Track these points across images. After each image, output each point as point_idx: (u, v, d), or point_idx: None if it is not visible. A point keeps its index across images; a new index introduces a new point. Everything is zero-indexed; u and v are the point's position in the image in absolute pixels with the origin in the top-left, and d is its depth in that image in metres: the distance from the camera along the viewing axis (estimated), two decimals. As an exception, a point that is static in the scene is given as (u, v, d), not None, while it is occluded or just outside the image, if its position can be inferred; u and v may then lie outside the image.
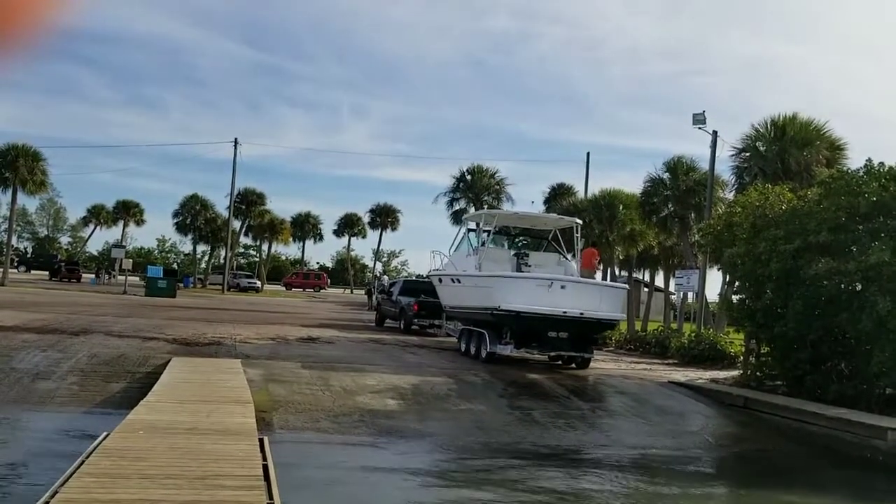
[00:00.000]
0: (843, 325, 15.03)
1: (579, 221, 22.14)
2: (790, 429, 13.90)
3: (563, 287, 17.48)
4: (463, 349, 19.84)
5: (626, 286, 21.24)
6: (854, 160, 24.57)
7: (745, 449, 13.07)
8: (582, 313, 17.31)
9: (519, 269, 19.98)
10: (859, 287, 14.94)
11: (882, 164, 15.67)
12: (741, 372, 19.17)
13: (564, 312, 17.12)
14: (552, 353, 19.03)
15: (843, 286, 15.16)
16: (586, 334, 18.57)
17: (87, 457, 6.97)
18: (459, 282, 20.21)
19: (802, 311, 15.35)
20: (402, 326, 26.42)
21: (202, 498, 5.92)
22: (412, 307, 25.75)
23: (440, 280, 21.81)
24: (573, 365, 19.03)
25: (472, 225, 22.42)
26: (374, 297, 45.65)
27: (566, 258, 21.01)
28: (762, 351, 18.27)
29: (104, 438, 7.79)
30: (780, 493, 11.00)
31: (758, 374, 17.72)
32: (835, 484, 11.50)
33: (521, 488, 9.85)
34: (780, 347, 16.64)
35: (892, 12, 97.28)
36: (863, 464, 12.22)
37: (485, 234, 20.83)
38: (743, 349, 20.51)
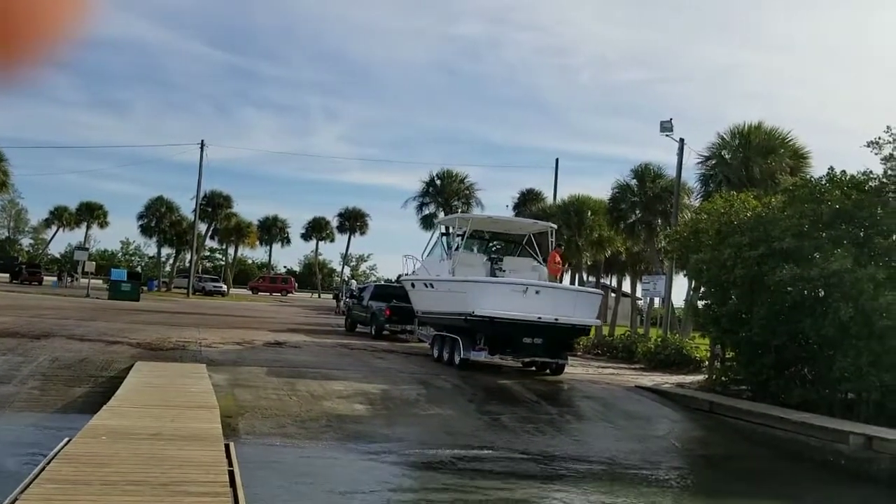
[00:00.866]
0: (807, 331, 15.28)
1: (554, 226, 21.81)
2: (755, 433, 14.06)
3: (537, 292, 17.26)
4: (436, 355, 19.52)
5: (601, 291, 20.98)
6: (817, 168, 25.05)
7: (710, 453, 13.20)
8: (557, 319, 17.12)
9: (493, 274, 19.69)
10: (822, 293, 15.20)
11: (844, 172, 15.99)
12: (707, 376, 19.41)
13: (539, 318, 16.90)
14: (526, 360, 18.78)
15: (806, 292, 15.41)
16: (561, 340, 18.39)
17: (48, 463, 6.82)
18: (433, 287, 19.87)
19: (766, 317, 15.57)
20: (372, 332, 25.86)
21: (166, 505, 5.82)
22: (384, 312, 25.26)
23: (413, 285, 21.41)
24: (547, 371, 18.72)
25: (446, 229, 22.05)
26: (342, 302, 45.45)
27: (540, 263, 20.63)
28: (727, 356, 18.52)
29: (66, 444, 7.63)
30: (745, 497, 11.13)
31: (723, 378, 17.94)
32: (799, 488, 11.65)
33: (488, 492, 9.85)
34: (745, 352, 16.87)
35: (857, 22, 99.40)
36: (826, 467, 12.40)
37: (458, 239, 20.45)
38: (708, 354, 20.77)
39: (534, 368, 19.12)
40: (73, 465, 6.79)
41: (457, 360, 18.17)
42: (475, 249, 21.67)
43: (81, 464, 6.83)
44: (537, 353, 18.00)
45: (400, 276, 23.78)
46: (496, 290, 17.55)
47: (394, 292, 26.03)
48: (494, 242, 23.63)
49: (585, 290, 22.10)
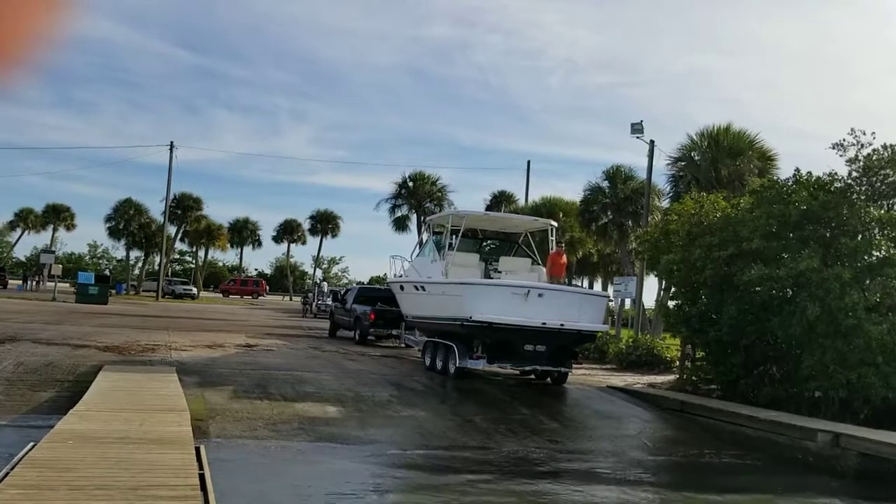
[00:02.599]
0: (775, 330, 15.46)
1: (554, 224, 20.39)
2: (725, 432, 14.21)
3: (540, 295, 15.95)
4: (428, 363, 18.19)
5: (608, 294, 19.06)
6: (784, 170, 25.46)
7: (681, 452, 13.30)
8: (562, 325, 15.79)
9: (487, 276, 18.64)
10: (790, 293, 15.40)
11: (810, 173, 16.21)
12: (677, 376, 19.55)
13: (543, 324, 15.61)
14: (527, 368, 17.50)
15: (774, 292, 15.59)
16: (566, 347, 17.01)
17: (12, 468, 6.67)
18: (424, 289, 18.45)
19: (736, 317, 15.73)
20: (356, 337, 24.62)
21: (135, 509, 5.73)
22: (368, 316, 23.96)
23: (402, 287, 20.03)
24: (548, 380, 17.55)
25: (438, 227, 20.51)
26: (312, 305, 45.16)
27: (539, 263, 19.32)
28: (697, 356, 18.67)
29: (31, 449, 7.48)
30: (716, 495, 11.22)
31: (693, 378, 18.09)
32: (769, 485, 11.78)
33: (459, 493, 9.83)
34: (715, 352, 17.03)
35: (818, 26, 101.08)
36: (795, 464, 12.57)
37: (453, 237, 18.68)
38: (679, 354, 20.93)
39: (533, 377, 18.03)
40: (38, 469, 6.66)
41: (451, 369, 16.87)
42: (469, 249, 19.94)
43: (47, 468, 6.70)
44: (540, 361, 16.61)
45: (389, 277, 22.17)
46: (495, 293, 16.14)
47: (379, 295, 25.00)
48: (488, 242, 22.08)
49: (591, 292, 19.99)
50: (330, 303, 35.58)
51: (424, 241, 20.64)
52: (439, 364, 17.58)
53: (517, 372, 18.18)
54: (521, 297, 15.76)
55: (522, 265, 19.32)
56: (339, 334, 26.84)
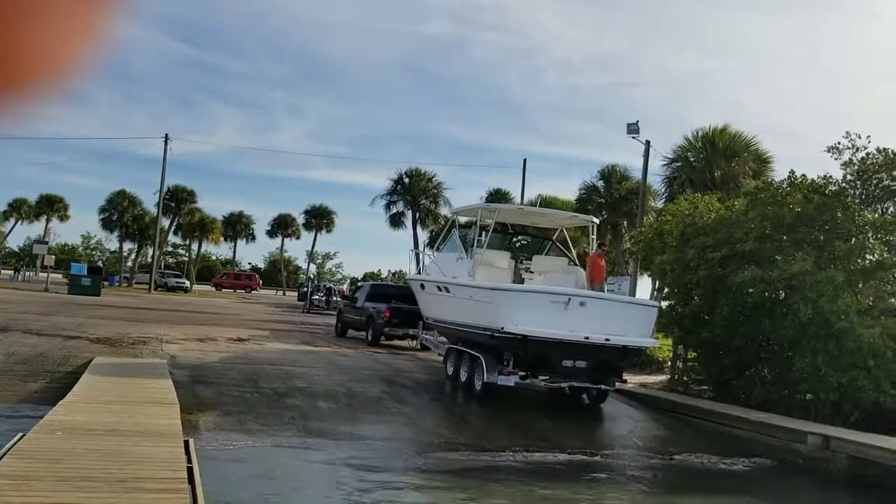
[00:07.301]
0: (767, 332, 15.51)
1: (596, 220, 18.30)
2: (716, 433, 14.23)
3: (582, 304, 14.00)
4: (450, 373, 16.19)
5: (657, 304, 16.79)
6: (779, 173, 25.47)
7: (671, 452, 13.31)
8: (607, 339, 13.87)
9: (518, 277, 16.96)
10: (783, 295, 15.43)
11: (804, 176, 16.25)
12: (669, 377, 19.58)
13: (586, 338, 13.70)
14: (563, 384, 15.23)
15: (767, 294, 15.63)
16: (610, 363, 14.78)
17: (0, 458, 6.63)
18: (448, 291, 16.37)
19: (728, 318, 15.77)
20: (369, 337, 22.63)
21: (122, 501, 5.70)
22: (383, 315, 22.00)
23: (422, 286, 18.01)
24: (583, 396, 15.80)
25: (464, 221, 18.60)
26: (307, 300, 45.03)
27: (576, 264, 17.42)
28: (689, 356, 18.70)
29: (19, 440, 7.43)
30: (704, 495, 11.25)
31: (685, 378, 18.12)
32: (758, 487, 11.81)
33: (445, 490, 9.83)
34: (707, 353, 17.07)
35: (814, 30, 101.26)
36: (785, 466, 12.59)
37: (483, 234, 16.77)
38: (671, 355, 20.96)
39: (567, 392, 15.91)
40: (27, 460, 6.62)
41: (478, 384, 14.78)
42: (498, 246, 17.89)
43: (35, 459, 6.66)
44: (580, 377, 14.55)
45: (407, 275, 20.43)
46: (532, 300, 14.21)
47: (394, 292, 23.65)
48: (518, 238, 19.93)
49: (640, 301, 17.67)
50: (321, 298, 35.05)
51: (449, 236, 18.86)
52: (463, 376, 15.59)
53: (546, 388, 16.15)
54: (560, 306, 13.85)
55: (558, 265, 17.39)
56: (350, 334, 24.62)
